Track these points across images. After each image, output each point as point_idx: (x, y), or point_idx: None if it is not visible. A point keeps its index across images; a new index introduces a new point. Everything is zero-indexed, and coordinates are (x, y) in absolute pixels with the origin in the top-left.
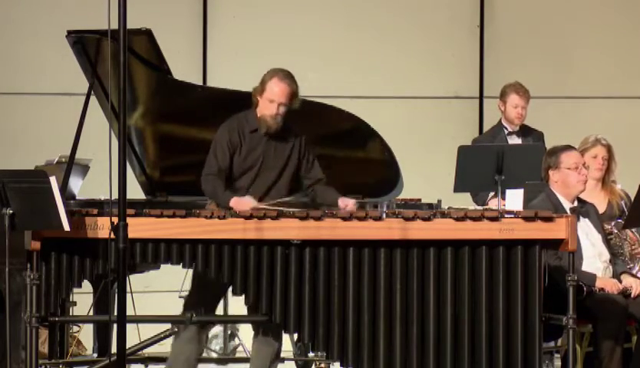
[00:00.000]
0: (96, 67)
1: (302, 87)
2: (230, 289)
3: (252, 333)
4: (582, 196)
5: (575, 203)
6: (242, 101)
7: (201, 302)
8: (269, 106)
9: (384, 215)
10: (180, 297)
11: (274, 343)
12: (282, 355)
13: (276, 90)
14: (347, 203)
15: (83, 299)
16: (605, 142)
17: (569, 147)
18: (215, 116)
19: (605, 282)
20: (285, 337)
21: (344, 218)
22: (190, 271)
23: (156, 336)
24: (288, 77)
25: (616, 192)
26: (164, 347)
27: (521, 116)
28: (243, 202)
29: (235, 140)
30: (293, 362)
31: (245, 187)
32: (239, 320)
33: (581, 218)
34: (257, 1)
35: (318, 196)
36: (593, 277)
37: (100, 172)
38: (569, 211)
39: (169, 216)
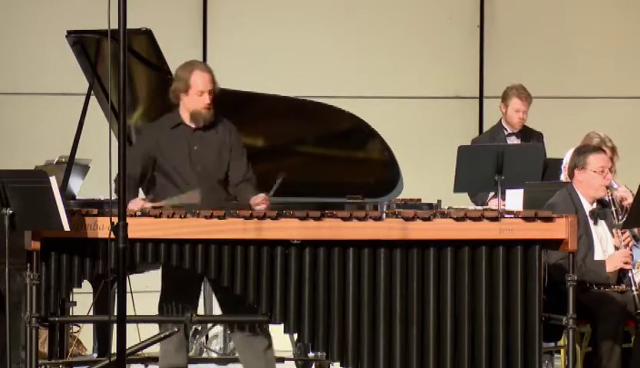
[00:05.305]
0: (96, 67)
1: (303, 87)
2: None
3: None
4: None
5: (595, 204)
6: (242, 101)
7: (180, 301)
8: (201, 99)
9: (384, 215)
10: None
11: (264, 340)
12: (282, 355)
13: (202, 81)
14: (256, 201)
15: (83, 299)
16: (611, 143)
17: (598, 149)
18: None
19: (614, 261)
20: (285, 337)
21: (345, 218)
22: None
23: (156, 336)
24: (204, 64)
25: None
26: None
27: (522, 120)
28: (132, 206)
29: (152, 144)
30: (293, 362)
31: (181, 182)
32: (239, 320)
33: (598, 220)
34: (257, 1)
35: (239, 197)
36: (603, 264)
37: (100, 172)
38: (587, 213)
39: (169, 216)
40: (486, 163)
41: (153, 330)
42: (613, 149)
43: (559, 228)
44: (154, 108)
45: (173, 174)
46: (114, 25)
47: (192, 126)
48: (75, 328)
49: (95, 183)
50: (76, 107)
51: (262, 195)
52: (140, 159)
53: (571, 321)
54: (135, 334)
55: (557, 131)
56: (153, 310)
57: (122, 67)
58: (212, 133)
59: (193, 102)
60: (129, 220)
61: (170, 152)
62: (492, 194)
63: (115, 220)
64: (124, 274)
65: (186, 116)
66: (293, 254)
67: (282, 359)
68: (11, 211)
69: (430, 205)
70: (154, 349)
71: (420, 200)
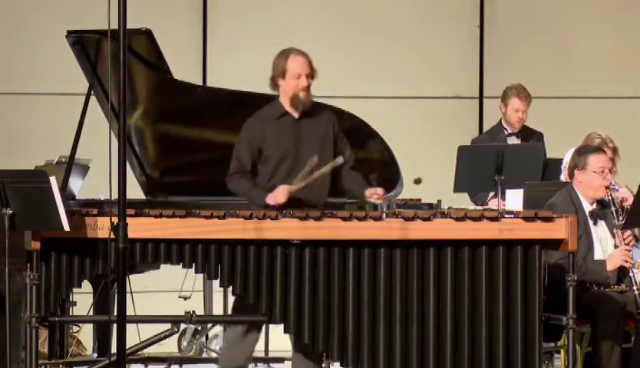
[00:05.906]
0: (96, 67)
1: None
2: (230, 289)
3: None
4: None
5: (595, 205)
6: (242, 101)
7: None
8: (298, 82)
9: (384, 215)
10: (180, 297)
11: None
12: (282, 355)
13: (298, 64)
14: (372, 193)
15: (83, 299)
16: (612, 144)
17: (598, 150)
18: (215, 116)
19: (614, 259)
20: (285, 337)
21: (345, 218)
22: (190, 271)
23: (156, 336)
24: (300, 50)
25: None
26: (164, 347)
27: (522, 120)
28: (277, 195)
29: (257, 135)
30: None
31: (287, 173)
32: (239, 320)
33: (598, 220)
34: (257, 0)
35: (344, 180)
36: (603, 263)
37: (100, 172)
38: (587, 213)
39: (169, 216)
40: (486, 163)
41: (153, 330)
42: (614, 150)
43: (559, 228)
44: (154, 108)
45: (280, 164)
46: (114, 25)
47: (296, 115)
48: (75, 328)
49: (95, 183)
50: (76, 107)
51: (379, 189)
52: (248, 153)
53: (571, 321)
54: (135, 334)
55: (557, 131)
56: (153, 310)
57: (122, 67)
58: (316, 123)
59: (291, 85)
60: (129, 220)
61: (277, 142)
62: (492, 194)
63: (115, 220)
64: (124, 274)
65: (286, 103)
66: (293, 254)
67: (281, 360)
68: (11, 211)
69: (430, 205)
70: (154, 350)
71: (420, 200)
